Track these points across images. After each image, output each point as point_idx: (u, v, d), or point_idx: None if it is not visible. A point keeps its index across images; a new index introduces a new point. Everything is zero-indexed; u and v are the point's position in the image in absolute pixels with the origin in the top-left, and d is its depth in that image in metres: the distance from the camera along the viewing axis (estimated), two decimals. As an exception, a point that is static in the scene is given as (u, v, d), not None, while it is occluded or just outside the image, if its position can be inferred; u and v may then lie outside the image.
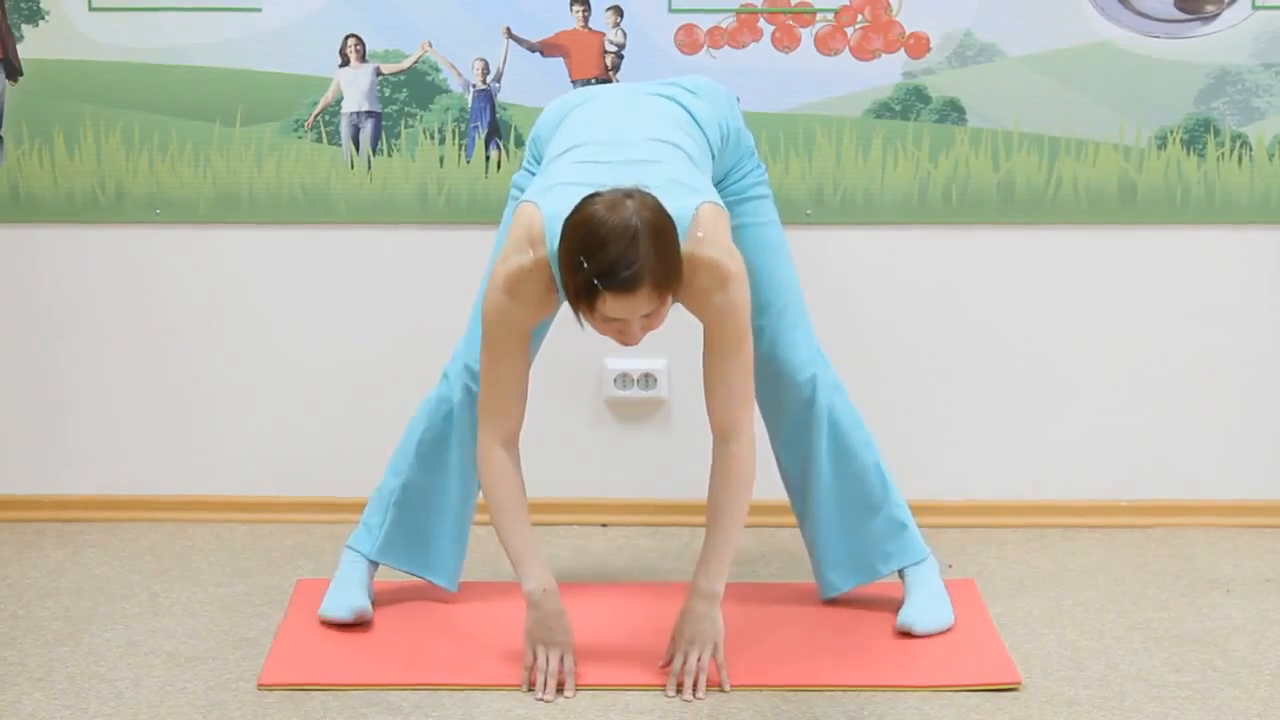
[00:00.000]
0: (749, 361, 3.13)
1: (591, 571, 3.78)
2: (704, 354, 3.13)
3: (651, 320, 2.98)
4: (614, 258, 2.87)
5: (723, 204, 3.12)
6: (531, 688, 3.16)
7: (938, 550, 3.88)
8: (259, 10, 3.84)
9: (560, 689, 3.15)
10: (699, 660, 3.16)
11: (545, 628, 3.17)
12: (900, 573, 3.46)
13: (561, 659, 3.16)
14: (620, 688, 3.18)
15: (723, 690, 3.16)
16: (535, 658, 3.16)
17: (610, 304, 2.91)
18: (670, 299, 2.98)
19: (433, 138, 3.90)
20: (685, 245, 3.00)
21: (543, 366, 3.65)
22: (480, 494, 3.34)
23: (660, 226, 2.91)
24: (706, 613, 3.17)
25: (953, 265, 3.95)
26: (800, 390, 3.35)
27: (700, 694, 3.14)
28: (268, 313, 3.99)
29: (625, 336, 2.98)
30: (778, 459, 3.45)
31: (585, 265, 2.88)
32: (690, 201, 3.04)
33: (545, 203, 3.05)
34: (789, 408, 3.37)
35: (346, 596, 3.41)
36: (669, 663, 3.19)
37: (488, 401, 3.17)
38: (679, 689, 3.15)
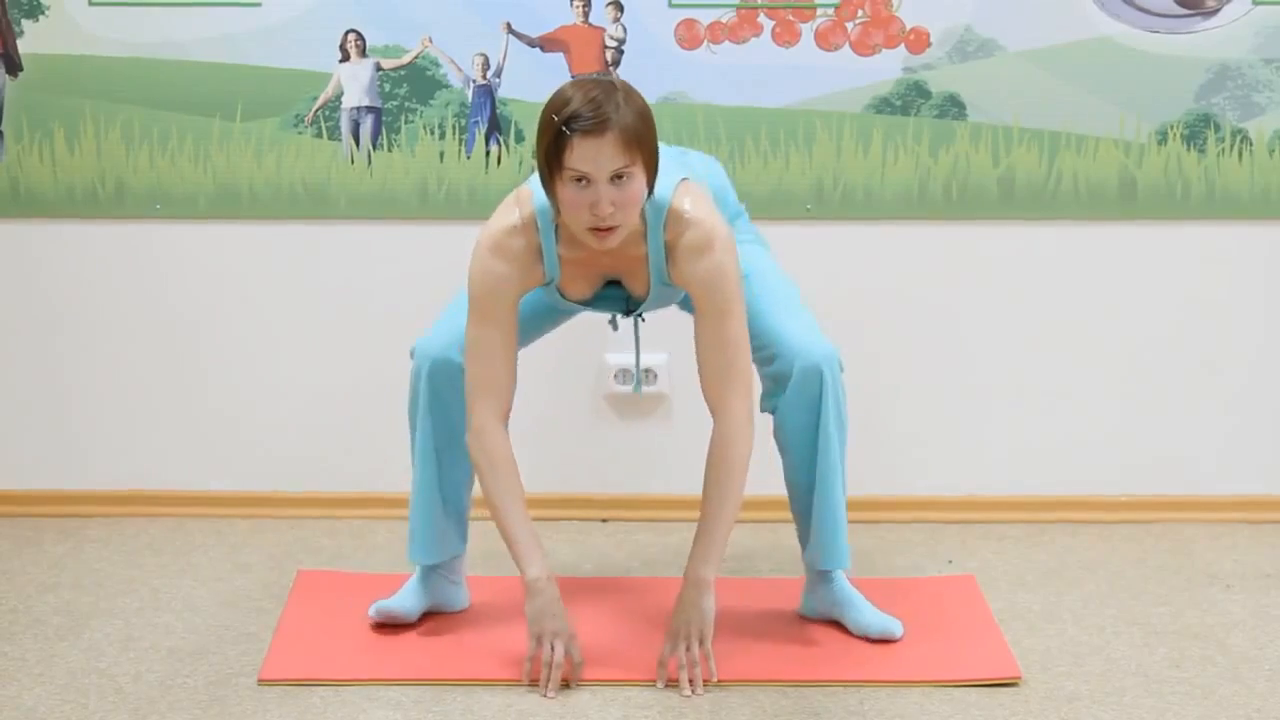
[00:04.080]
0: (740, 334, 3.11)
1: (592, 566, 3.78)
2: (695, 327, 3.13)
3: (622, 193, 2.97)
4: (582, 103, 2.95)
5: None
6: (533, 680, 3.15)
7: (939, 545, 3.89)
8: (259, 5, 3.84)
9: (565, 683, 3.14)
10: (688, 651, 3.15)
11: (549, 614, 3.15)
12: (829, 574, 3.38)
13: (566, 649, 3.15)
14: (620, 683, 3.17)
15: (708, 681, 3.15)
16: (539, 647, 3.15)
17: (577, 151, 2.94)
18: (641, 170, 2.98)
19: (433, 133, 3.90)
20: (672, 202, 3.09)
21: (543, 362, 3.66)
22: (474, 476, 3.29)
23: (633, 94, 3.01)
24: (694, 600, 3.16)
25: (953, 260, 3.95)
26: (809, 359, 3.22)
27: (698, 690, 3.13)
28: (268, 308, 3.99)
29: (596, 210, 2.97)
30: (784, 430, 3.29)
31: (555, 118, 2.96)
32: (676, 174, 3.13)
33: (534, 179, 3.13)
34: (796, 376, 3.23)
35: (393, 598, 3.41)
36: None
37: (478, 373, 3.15)
38: (673, 681, 3.15)
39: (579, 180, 2.97)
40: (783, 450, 3.32)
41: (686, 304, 3.31)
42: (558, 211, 3.05)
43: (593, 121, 2.93)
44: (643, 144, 2.98)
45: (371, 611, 3.37)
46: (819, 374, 3.22)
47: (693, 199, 3.11)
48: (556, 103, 2.99)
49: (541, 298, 3.29)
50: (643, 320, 3.38)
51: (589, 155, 2.94)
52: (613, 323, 3.40)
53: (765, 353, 3.24)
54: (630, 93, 3.01)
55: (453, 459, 3.31)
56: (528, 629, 3.17)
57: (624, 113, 2.96)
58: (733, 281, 3.09)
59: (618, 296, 3.27)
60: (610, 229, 3.01)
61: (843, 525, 3.32)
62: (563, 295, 3.23)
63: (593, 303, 3.27)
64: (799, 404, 3.25)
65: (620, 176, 2.97)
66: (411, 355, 3.32)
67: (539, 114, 3.03)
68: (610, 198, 2.97)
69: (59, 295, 4.00)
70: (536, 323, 3.34)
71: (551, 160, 2.98)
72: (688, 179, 3.15)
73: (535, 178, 3.13)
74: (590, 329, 3.72)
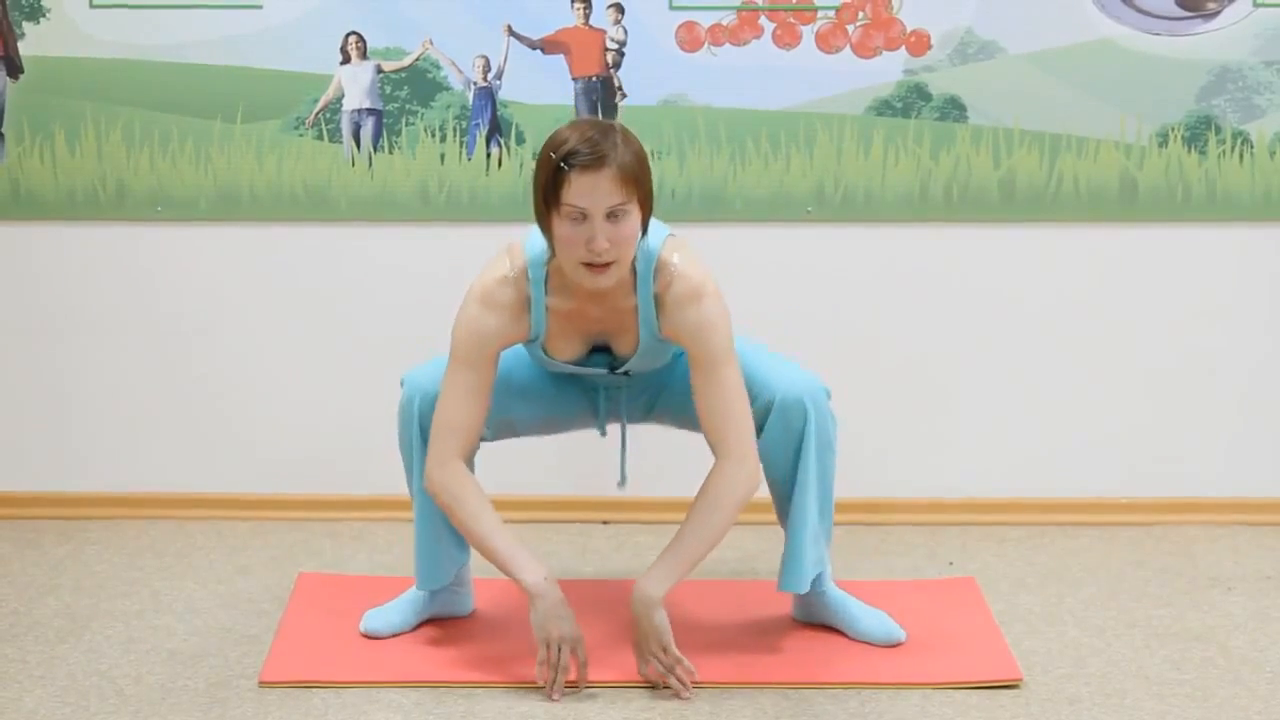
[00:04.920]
0: (736, 380, 3.12)
1: (592, 569, 3.78)
2: (691, 380, 3.14)
3: (618, 230, 2.99)
4: (579, 141, 2.99)
5: None
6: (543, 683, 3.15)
7: (940, 548, 3.89)
8: (260, 7, 3.84)
9: (572, 685, 3.14)
10: (659, 660, 3.14)
11: (555, 617, 3.14)
12: (819, 584, 3.37)
13: (574, 651, 3.14)
14: (620, 684, 3.18)
15: (693, 681, 3.15)
16: (548, 651, 3.14)
17: (575, 186, 2.97)
18: (637, 207, 3.01)
19: (434, 135, 3.90)
20: (660, 253, 3.11)
21: (544, 364, 3.66)
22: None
23: (630, 136, 3.04)
24: (645, 616, 3.14)
25: (954, 263, 3.95)
26: (790, 392, 3.21)
27: (689, 690, 3.13)
28: (268, 310, 3.99)
29: (592, 245, 2.98)
30: (764, 460, 3.27)
31: (553, 156, 2.99)
32: (664, 231, 3.16)
33: (529, 236, 3.15)
34: (777, 409, 3.22)
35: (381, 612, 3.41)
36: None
37: (445, 416, 3.15)
38: (667, 685, 3.16)
39: (575, 216, 2.99)
40: (764, 474, 3.30)
41: (669, 400, 3.33)
42: (553, 251, 3.07)
43: (590, 157, 2.96)
44: (639, 183, 3.01)
45: (361, 628, 3.37)
46: (801, 406, 3.21)
47: (681, 253, 3.14)
48: (554, 142, 3.02)
49: (531, 371, 3.30)
50: (628, 376, 3.33)
51: (586, 190, 2.97)
52: (601, 430, 3.41)
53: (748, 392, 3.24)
54: (627, 134, 3.04)
55: None
56: (535, 634, 3.16)
57: (621, 151, 3.00)
58: (723, 331, 3.11)
59: (604, 362, 3.26)
60: (605, 265, 3.02)
61: (806, 553, 3.28)
62: (547, 353, 3.21)
63: (580, 364, 3.25)
64: (779, 436, 3.23)
65: (616, 214, 2.99)
66: (402, 384, 3.32)
67: (539, 145, 3.05)
68: (606, 234, 2.99)
69: (60, 297, 4.00)
70: (529, 407, 3.33)
71: (549, 196, 3.00)
72: (674, 235, 3.17)
73: (530, 235, 3.14)
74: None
